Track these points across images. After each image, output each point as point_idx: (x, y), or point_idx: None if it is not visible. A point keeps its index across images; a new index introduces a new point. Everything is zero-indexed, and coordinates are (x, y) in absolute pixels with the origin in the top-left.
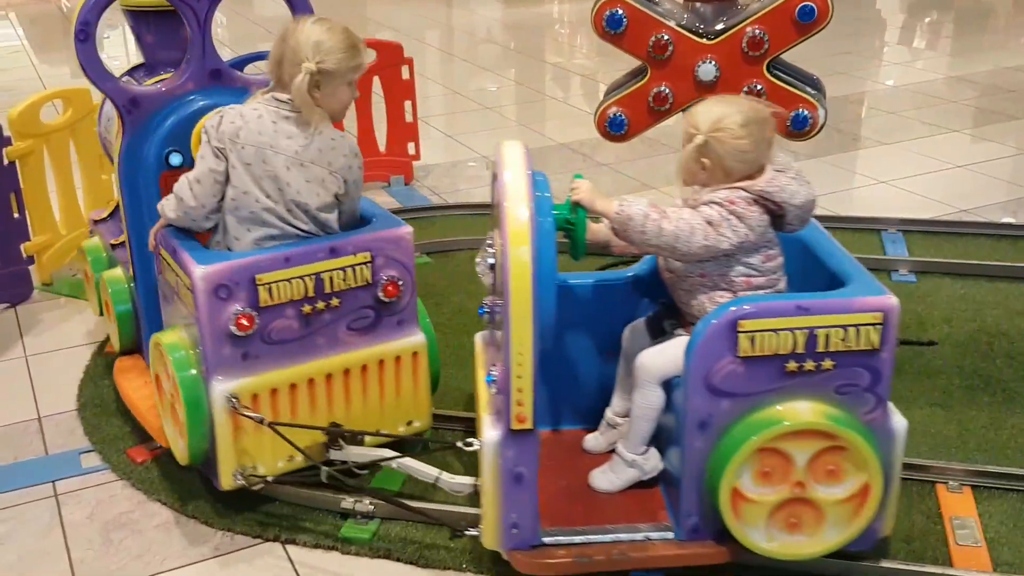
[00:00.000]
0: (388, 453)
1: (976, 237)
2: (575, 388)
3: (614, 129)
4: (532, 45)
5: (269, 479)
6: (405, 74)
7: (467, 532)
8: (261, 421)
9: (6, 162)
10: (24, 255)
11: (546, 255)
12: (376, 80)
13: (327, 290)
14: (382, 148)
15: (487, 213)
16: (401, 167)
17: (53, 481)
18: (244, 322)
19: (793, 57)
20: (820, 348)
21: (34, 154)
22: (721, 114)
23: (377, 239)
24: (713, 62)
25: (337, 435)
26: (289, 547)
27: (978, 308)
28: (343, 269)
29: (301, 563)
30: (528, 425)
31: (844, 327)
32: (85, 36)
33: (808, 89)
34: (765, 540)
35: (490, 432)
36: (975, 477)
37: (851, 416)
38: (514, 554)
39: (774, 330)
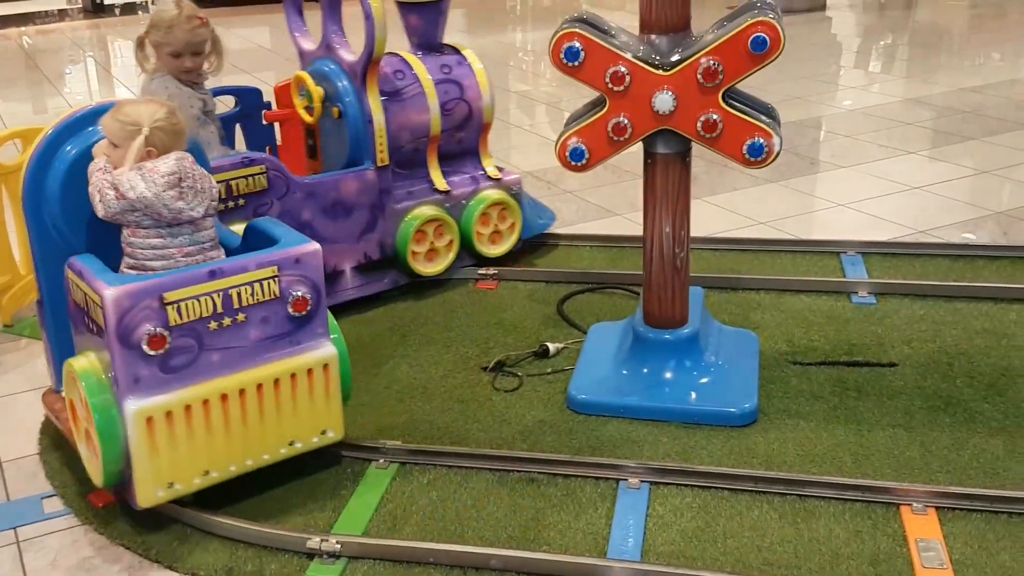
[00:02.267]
0: None
1: (934, 258)
2: None
3: (574, 159)
4: (497, 73)
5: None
6: None
7: None
8: None
9: None
10: None
11: None
12: None
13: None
14: None
15: None
16: None
17: (15, 527)
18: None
19: (753, 82)
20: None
21: None
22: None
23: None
24: (670, 92)
25: None
26: None
27: (937, 329)
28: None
29: None
30: None
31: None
32: None
33: (763, 118)
34: None
35: None
36: (939, 498)
37: None
38: None
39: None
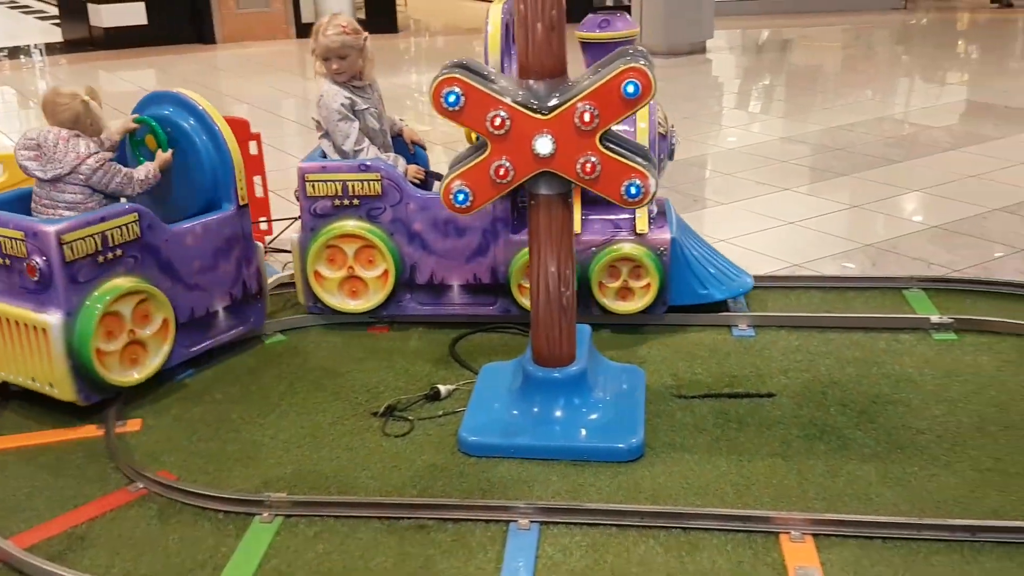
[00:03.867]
0: None
1: (808, 290)
2: None
3: (458, 202)
4: (392, 113)
5: None
6: (253, 149)
7: None
8: None
9: None
10: None
11: None
12: None
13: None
14: None
15: None
16: None
17: None
18: None
19: None
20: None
21: None
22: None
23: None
24: (549, 136)
25: None
26: None
27: (812, 359)
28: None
29: None
30: None
31: None
32: None
33: (639, 160)
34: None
35: None
36: (816, 525)
37: None
38: None
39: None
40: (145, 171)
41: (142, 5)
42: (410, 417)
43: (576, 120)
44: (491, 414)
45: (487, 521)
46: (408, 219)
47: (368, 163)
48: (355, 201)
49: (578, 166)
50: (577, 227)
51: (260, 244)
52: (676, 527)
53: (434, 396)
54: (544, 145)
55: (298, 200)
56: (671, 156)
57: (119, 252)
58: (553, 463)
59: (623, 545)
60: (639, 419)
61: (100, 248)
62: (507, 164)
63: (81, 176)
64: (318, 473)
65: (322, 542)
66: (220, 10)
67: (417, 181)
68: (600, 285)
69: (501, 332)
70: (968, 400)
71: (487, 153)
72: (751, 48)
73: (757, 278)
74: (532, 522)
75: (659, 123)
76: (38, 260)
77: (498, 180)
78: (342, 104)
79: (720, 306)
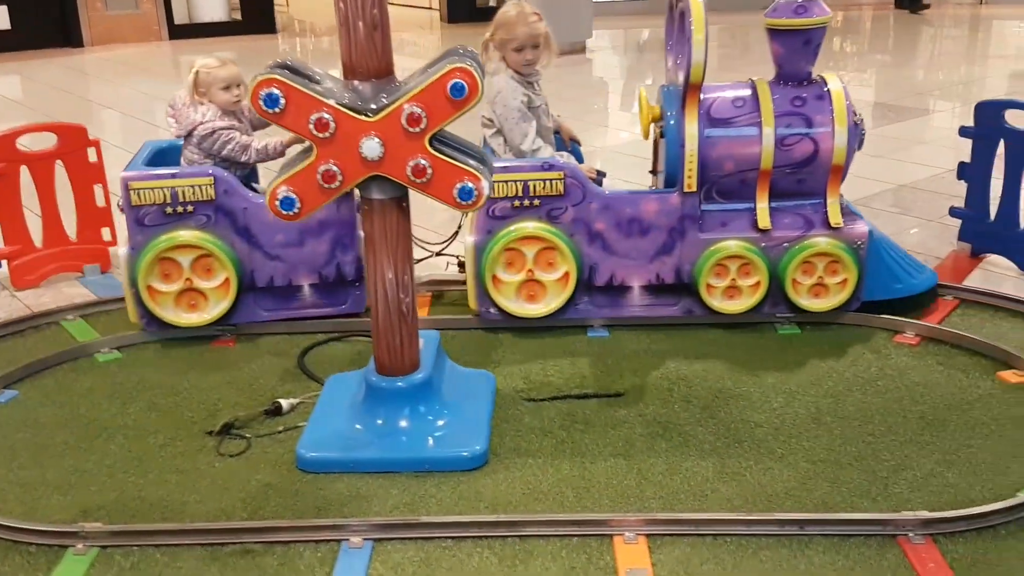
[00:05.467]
0: None
1: None
2: None
3: (285, 208)
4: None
5: None
6: (92, 156)
7: None
8: None
9: None
10: None
11: None
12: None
13: None
14: (72, 237)
15: None
16: (96, 255)
17: None
18: None
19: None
20: None
21: None
22: None
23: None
24: (377, 139)
25: None
26: None
27: (662, 357)
28: None
29: None
30: None
31: None
32: None
33: (471, 162)
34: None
35: None
36: (649, 526)
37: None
38: None
39: None
40: (267, 143)
41: (4, 8)
42: (247, 435)
43: (403, 122)
44: (333, 428)
45: (318, 541)
46: (590, 219)
47: (553, 162)
48: (536, 202)
49: (408, 169)
50: (767, 223)
51: (363, 234)
52: (512, 535)
53: (275, 411)
54: (371, 148)
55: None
56: (860, 145)
57: (190, 208)
58: (395, 476)
59: (457, 558)
60: (484, 426)
61: (168, 200)
62: (334, 168)
63: (195, 139)
64: (142, 499)
65: (139, 573)
66: (88, 12)
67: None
68: (794, 283)
69: (354, 341)
70: (806, 392)
71: (313, 157)
72: (632, 47)
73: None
74: (365, 539)
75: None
76: (120, 200)
77: (326, 185)
78: (522, 101)
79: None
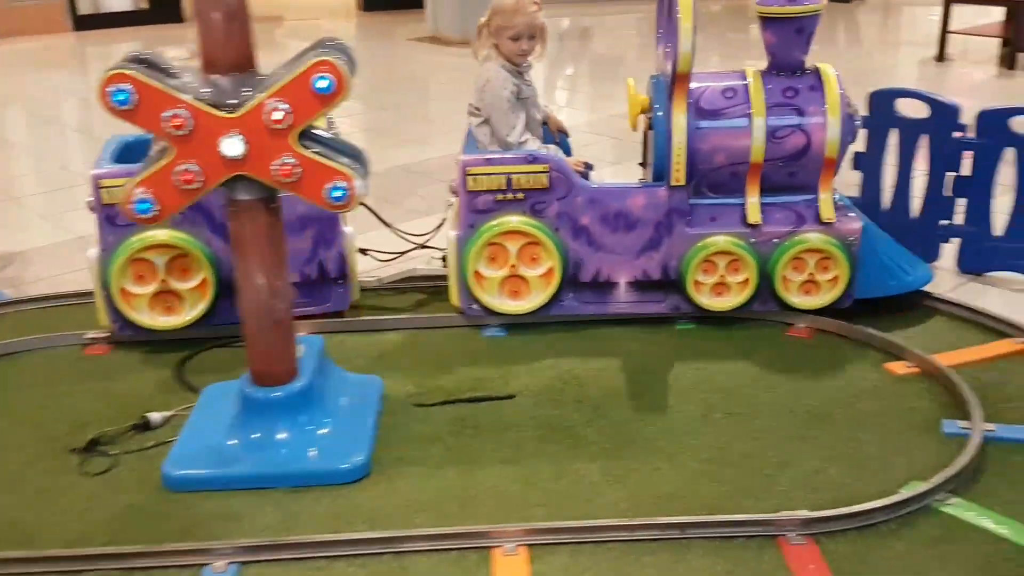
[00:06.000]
0: None
1: None
2: None
3: (141, 211)
4: None
5: None
6: None
7: None
8: None
9: None
10: None
11: None
12: None
13: None
14: None
15: (78, 303)
16: None
17: None
18: None
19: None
20: None
21: None
22: None
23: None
24: (239, 136)
25: None
26: None
27: (557, 356)
28: None
29: None
30: None
31: None
32: None
33: (343, 160)
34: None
35: None
36: (529, 535)
37: None
38: None
39: None
40: None
41: None
42: (113, 452)
43: (266, 118)
44: (205, 442)
45: (180, 567)
46: (575, 213)
47: (537, 155)
48: (520, 195)
49: (274, 169)
50: (757, 218)
51: (350, 230)
52: (387, 552)
53: (144, 426)
54: (232, 146)
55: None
56: (854, 138)
57: None
58: (269, 493)
59: None
60: (367, 435)
61: None
62: (194, 168)
63: None
64: None
65: None
66: None
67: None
68: (784, 280)
69: (243, 346)
70: (697, 388)
71: (171, 157)
72: (552, 36)
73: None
74: (230, 563)
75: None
76: (90, 200)
77: (185, 186)
78: (511, 92)
79: None
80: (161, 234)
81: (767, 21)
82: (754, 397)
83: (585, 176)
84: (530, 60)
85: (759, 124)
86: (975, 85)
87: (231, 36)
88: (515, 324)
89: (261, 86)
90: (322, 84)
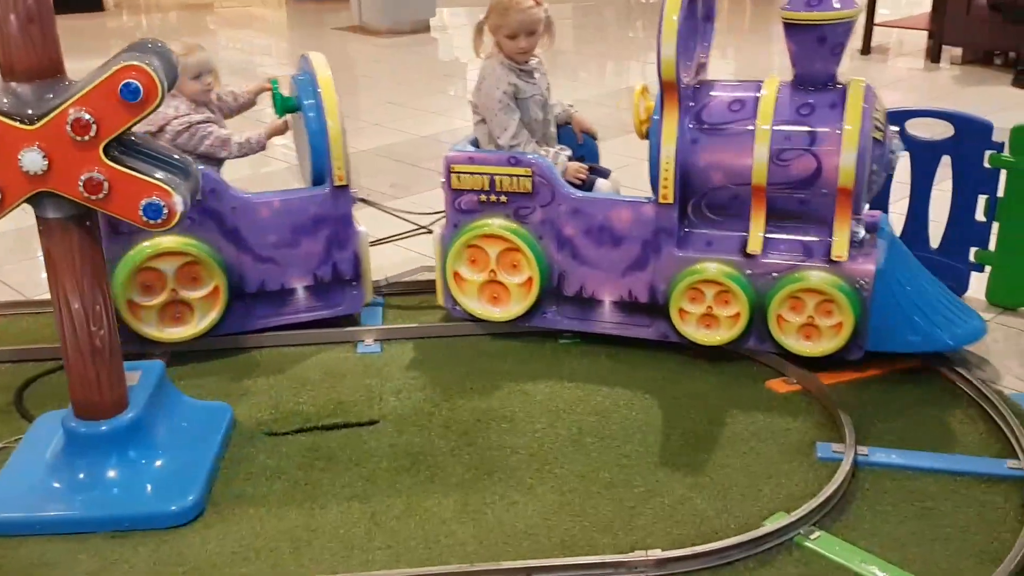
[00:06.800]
0: None
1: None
2: None
3: None
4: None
5: None
6: None
7: None
8: None
9: None
10: None
11: None
12: None
13: None
14: None
15: None
16: None
17: None
18: None
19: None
20: None
21: None
22: None
23: None
24: (39, 150)
25: None
26: None
27: (432, 375)
28: None
29: None
30: None
31: None
32: None
33: (158, 175)
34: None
35: None
36: None
37: None
38: None
39: None
40: (248, 136)
41: None
42: None
43: (69, 129)
44: (24, 481)
45: None
46: (559, 222)
47: (519, 158)
48: (503, 198)
49: (80, 184)
50: (757, 247)
51: (364, 229)
52: None
53: None
54: (33, 161)
55: None
56: (889, 168)
57: None
58: (89, 538)
59: None
60: (204, 472)
61: None
62: None
63: (167, 136)
64: None
65: None
66: None
67: (579, 181)
68: (779, 320)
69: None
70: (572, 410)
71: None
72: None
73: (398, 284)
74: None
75: (876, 126)
76: None
77: None
78: (504, 92)
79: (352, 320)
80: (169, 240)
81: (790, 28)
82: (628, 419)
83: (587, 184)
84: (539, 56)
85: (762, 143)
86: (900, 78)
87: (30, 40)
88: (393, 339)
89: (63, 94)
90: (130, 91)
